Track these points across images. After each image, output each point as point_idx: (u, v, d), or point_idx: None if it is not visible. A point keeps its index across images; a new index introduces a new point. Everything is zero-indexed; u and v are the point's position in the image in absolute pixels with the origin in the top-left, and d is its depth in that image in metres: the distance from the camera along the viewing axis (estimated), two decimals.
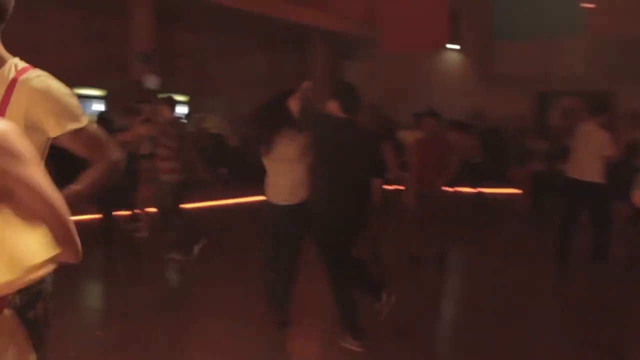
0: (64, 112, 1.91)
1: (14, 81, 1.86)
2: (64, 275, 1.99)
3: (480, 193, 10.82)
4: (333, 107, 4.32)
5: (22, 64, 1.95)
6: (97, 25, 13.89)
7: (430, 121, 7.09)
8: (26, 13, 12.72)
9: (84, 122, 1.97)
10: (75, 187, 1.99)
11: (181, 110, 13.74)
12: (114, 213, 7.19)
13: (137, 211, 8.39)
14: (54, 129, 1.90)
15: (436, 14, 14.43)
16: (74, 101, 1.96)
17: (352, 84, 4.63)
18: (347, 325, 4.31)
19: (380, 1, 15.62)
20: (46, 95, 1.87)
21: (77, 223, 1.42)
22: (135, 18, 13.94)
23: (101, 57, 13.89)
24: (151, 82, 12.80)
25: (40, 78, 1.90)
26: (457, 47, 18.98)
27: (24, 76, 1.88)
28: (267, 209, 4.63)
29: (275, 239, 4.57)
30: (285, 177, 4.45)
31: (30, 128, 1.83)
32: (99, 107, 12.86)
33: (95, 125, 2.12)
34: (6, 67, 1.91)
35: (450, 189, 7.60)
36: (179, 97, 14.83)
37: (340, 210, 4.18)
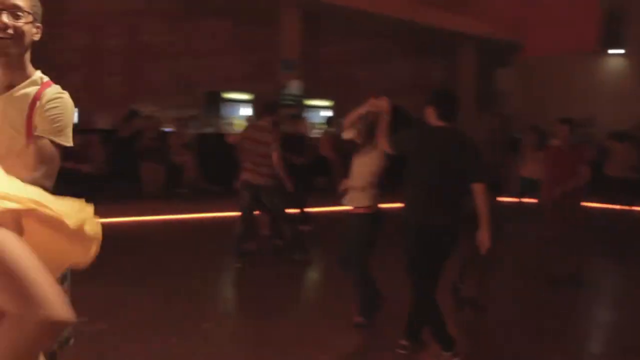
0: (49, 122, 2.15)
1: (37, 97, 2.16)
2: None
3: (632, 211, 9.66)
4: (430, 115, 4.11)
5: (45, 78, 2.23)
6: (248, 34, 14.42)
7: (563, 129, 6.45)
8: (184, 23, 13.52)
9: (50, 136, 2.15)
10: None
11: (326, 114, 13.89)
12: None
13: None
14: (39, 130, 2.15)
15: (585, 16, 13.44)
16: (64, 120, 2.20)
17: (450, 90, 4.35)
18: (439, 339, 4.04)
19: (527, 4, 14.84)
20: (48, 107, 2.17)
21: None
22: (283, 26, 14.31)
23: (251, 63, 14.41)
24: (295, 87, 13.01)
25: (54, 93, 2.19)
26: (622, 51, 17.48)
27: (45, 91, 2.18)
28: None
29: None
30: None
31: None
32: (246, 110, 13.31)
33: (53, 150, 2.20)
34: (33, 80, 2.19)
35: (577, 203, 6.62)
36: (323, 102, 15.10)
37: (431, 223, 3.97)
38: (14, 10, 2.07)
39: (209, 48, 13.91)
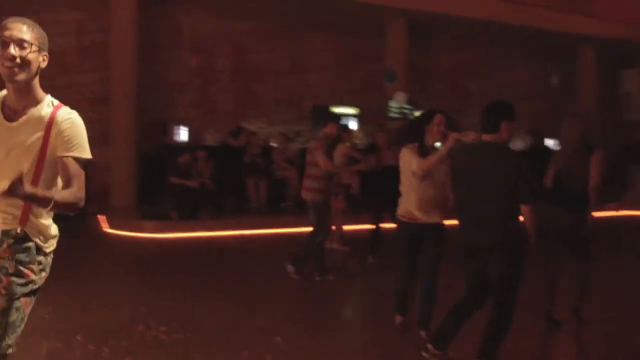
0: (68, 142, 2.38)
1: (52, 118, 2.39)
2: None
3: None
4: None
5: (55, 102, 2.45)
6: (355, 47, 14.43)
7: None
8: (290, 40, 13.77)
9: (72, 154, 2.38)
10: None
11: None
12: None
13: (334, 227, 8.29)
14: (60, 151, 2.38)
15: None
16: (80, 137, 2.42)
17: (505, 101, 3.93)
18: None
19: None
20: (63, 128, 2.39)
21: None
22: (390, 38, 14.17)
23: (357, 77, 14.40)
24: (400, 99, 12.79)
25: (66, 113, 2.42)
26: None
27: (57, 113, 2.40)
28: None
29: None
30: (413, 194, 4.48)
31: (54, 148, 2.38)
32: (352, 124, 13.24)
33: (82, 167, 2.42)
34: (44, 104, 2.41)
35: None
36: None
37: (482, 243, 3.77)
38: (20, 42, 2.29)
39: (315, 63, 14.06)
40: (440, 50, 15.80)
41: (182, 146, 11.11)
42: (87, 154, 2.44)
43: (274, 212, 10.78)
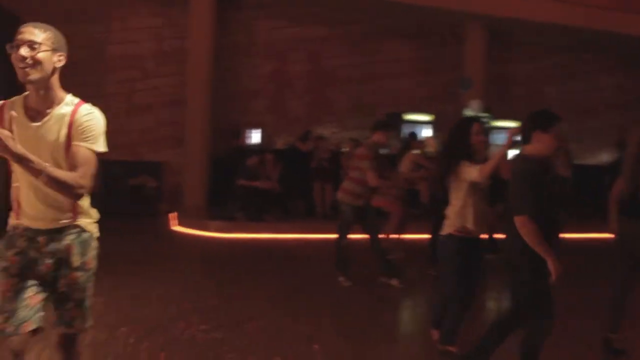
0: (81, 132, 2.47)
1: (72, 116, 2.48)
2: None
3: None
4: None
5: (76, 100, 2.54)
6: (430, 55, 14.21)
7: None
8: (365, 46, 13.72)
9: (84, 143, 2.46)
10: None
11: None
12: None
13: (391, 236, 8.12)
14: (74, 140, 2.47)
15: None
16: (95, 130, 2.50)
17: (543, 110, 3.65)
18: None
19: None
20: (81, 120, 2.48)
21: None
22: (467, 45, 13.85)
23: (433, 84, 14.16)
24: (475, 107, 12.45)
25: (86, 109, 2.52)
26: None
27: (78, 110, 2.50)
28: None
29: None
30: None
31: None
32: (427, 131, 13.01)
33: (94, 158, 2.49)
34: (65, 103, 2.51)
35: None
36: (513, 124, 14.24)
37: (521, 262, 3.53)
38: (30, 44, 2.39)
39: (389, 70, 13.93)
40: (519, 57, 15.26)
41: (252, 149, 11.28)
42: (99, 147, 2.51)
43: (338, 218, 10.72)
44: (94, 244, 2.68)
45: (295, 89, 13.35)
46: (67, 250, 2.55)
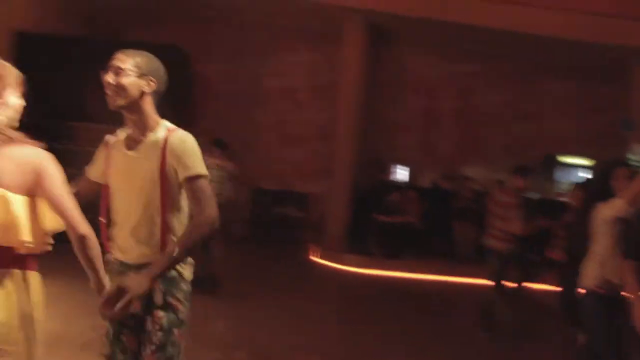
0: (183, 163, 2.40)
1: (165, 141, 2.43)
2: None
3: None
4: None
5: (170, 125, 2.50)
6: (593, 94, 13.33)
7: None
8: (519, 84, 13.22)
9: (193, 173, 2.38)
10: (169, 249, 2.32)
11: None
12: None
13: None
14: (180, 175, 2.41)
15: None
16: (193, 156, 2.42)
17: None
18: None
19: None
20: (177, 150, 2.41)
21: None
22: (633, 84, 12.81)
23: (591, 125, 13.24)
24: (636, 151, 11.47)
25: (178, 136, 2.45)
26: None
27: (171, 135, 2.45)
28: None
29: None
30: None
31: (172, 171, 2.41)
32: (583, 176, 12.22)
33: (205, 182, 2.41)
34: (159, 129, 2.48)
35: None
36: None
37: None
38: (116, 70, 2.41)
39: (544, 109, 13.28)
40: None
41: (395, 185, 11.27)
42: (203, 170, 2.42)
43: (481, 260, 10.32)
44: (183, 286, 2.47)
45: (444, 126, 13.17)
46: (152, 286, 2.29)
